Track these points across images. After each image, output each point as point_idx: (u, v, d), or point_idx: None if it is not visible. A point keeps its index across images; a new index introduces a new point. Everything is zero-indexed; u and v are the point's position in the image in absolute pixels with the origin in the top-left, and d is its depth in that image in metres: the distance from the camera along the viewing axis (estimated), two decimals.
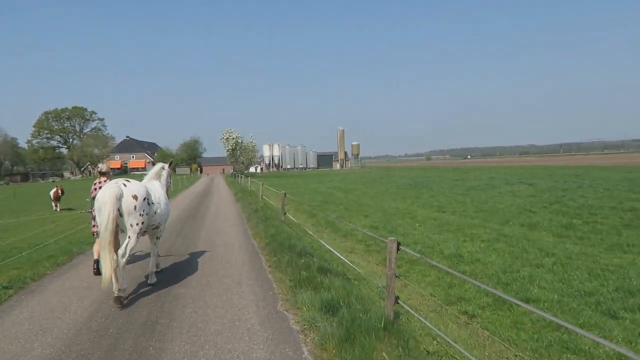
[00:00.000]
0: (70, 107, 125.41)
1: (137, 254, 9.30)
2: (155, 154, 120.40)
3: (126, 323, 5.30)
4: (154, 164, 8.94)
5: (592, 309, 5.68)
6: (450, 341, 4.31)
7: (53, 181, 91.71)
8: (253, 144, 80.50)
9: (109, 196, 5.83)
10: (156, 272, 7.46)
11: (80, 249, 10.20)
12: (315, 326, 4.87)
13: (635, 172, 36.26)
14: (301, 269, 6.90)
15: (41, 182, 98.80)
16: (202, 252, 9.45)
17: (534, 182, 28.38)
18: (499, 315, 5.58)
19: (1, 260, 9.52)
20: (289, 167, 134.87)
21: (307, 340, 4.67)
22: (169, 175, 8.27)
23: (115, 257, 5.79)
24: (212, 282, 7.01)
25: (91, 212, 7.81)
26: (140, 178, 7.64)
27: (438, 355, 4.48)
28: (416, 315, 4.96)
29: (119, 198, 5.97)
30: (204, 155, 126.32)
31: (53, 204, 23.59)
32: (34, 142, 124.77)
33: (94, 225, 7.70)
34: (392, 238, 4.77)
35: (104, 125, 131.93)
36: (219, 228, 12.99)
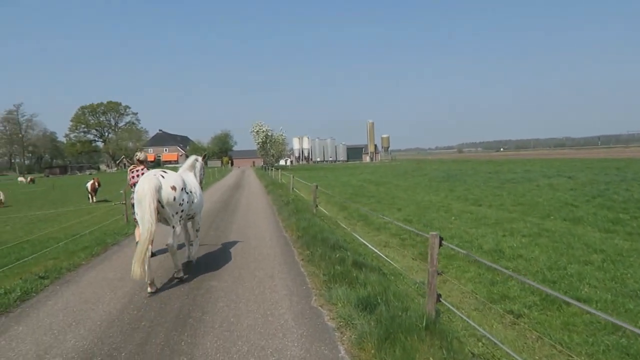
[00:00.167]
0: (105, 102, 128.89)
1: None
2: (187, 147, 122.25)
3: (158, 316, 5.21)
4: (187, 157, 9.15)
5: None
6: (498, 342, 4.02)
7: (90, 174, 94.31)
8: (283, 137, 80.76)
9: (148, 188, 5.94)
10: (189, 263, 7.65)
11: (114, 240, 10.28)
12: (352, 324, 4.64)
13: None
14: (335, 263, 6.68)
15: (78, 174, 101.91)
16: (234, 245, 9.35)
17: (573, 175, 27.28)
18: (547, 315, 5.22)
19: (39, 250, 9.70)
20: (318, 160, 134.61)
21: (344, 338, 4.45)
22: (202, 168, 8.39)
23: (151, 248, 5.94)
24: (244, 275, 6.87)
25: (123, 203, 7.85)
26: (173, 171, 7.60)
27: (484, 358, 4.19)
28: (459, 314, 4.67)
29: (158, 190, 6.09)
30: (235, 148, 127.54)
31: (89, 196, 24.14)
32: (72, 136, 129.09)
33: (134, 213, 7.66)
34: (435, 233, 4.49)
35: (137, 119, 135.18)
36: (250, 220, 12.91)
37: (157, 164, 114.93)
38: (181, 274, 6.81)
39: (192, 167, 7.99)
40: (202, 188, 8.23)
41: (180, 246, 8.88)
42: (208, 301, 5.70)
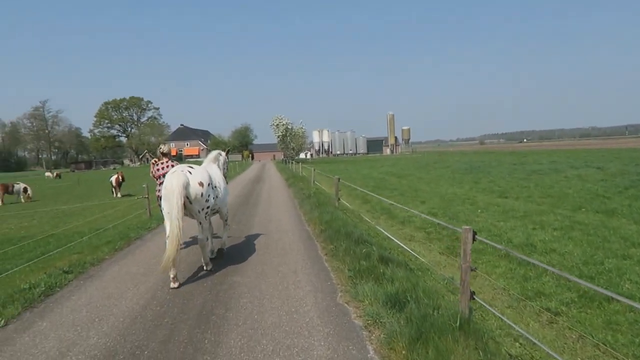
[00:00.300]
0: (127, 98, 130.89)
1: (188, 240, 9.23)
2: (209, 141, 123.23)
3: (181, 313, 5.11)
4: (209, 151, 9.22)
5: None
6: (537, 342, 3.78)
7: (114, 168, 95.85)
8: (303, 130, 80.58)
9: (176, 184, 5.97)
10: (220, 251, 7.78)
11: (137, 234, 10.28)
12: (380, 322, 4.45)
13: None
14: (360, 258, 6.48)
15: (103, 169, 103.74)
16: (256, 239, 9.24)
17: (602, 166, 26.41)
18: (587, 313, 4.94)
19: (64, 244, 9.76)
20: (338, 152, 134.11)
21: (372, 337, 4.26)
22: (226, 162, 8.40)
23: (182, 244, 6.09)
24: (268, 271, 6.74)
25: (146, 197, 7.84)
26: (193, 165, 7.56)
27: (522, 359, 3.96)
28: (494, 311, 4.44)
29: (186, 186, 6.12)
30: (255, 142, 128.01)
31: (113, 190, 24.39)
32: (96, 131, 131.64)
33: (159, 205, 7.82)
34: (468, 227, 4.26)
35: (159, 114, 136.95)
36: (272, 214, 12.79)
37: (178, 158, 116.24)
38: (210, 267, 6.87)
39: (216, 160, 8.03)
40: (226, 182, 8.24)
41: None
42: (231, 297, 5.58)
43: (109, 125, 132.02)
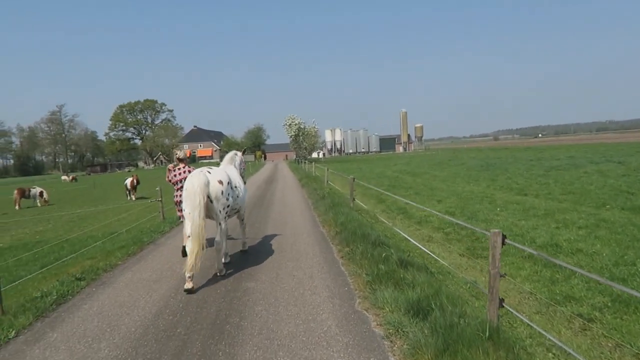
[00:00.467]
0: (142, 100, 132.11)
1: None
2: (222, 142, 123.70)
3: (194, 322, 4.93)
4: (225, 152, 9.22)
5: None
6: (572, 352, 3.52)
7: (129, 171, 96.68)
8: (315, 130, 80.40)
9: (197, 184, 6.12)
10: (225, 263, 7.44)
11: (150, 238, 10.16)
12: (403, 332, 4.21)
13: None
14: (378, 262, 6.25)
15: (118, 171, 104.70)
16: (270, 242, 9.06)
17: (623, 160, 25.80)
18: (623, 319, 4.65)
19: (78, 250, 9.71)
20: (351, 151, 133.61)
21: (395, 349, 4.03)
22: (242, 162, 8.42)
23: (205, 243, 6.16)
24: (282, 276, 6.54)
25: (159, 200, 7.77)
26: (207, 166, 7.51)
27: None
28: (524, 319, 4.17)
29: (207, 185, 6.26)
30: (268, 142, 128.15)
31: (127, 193, 24.47)
32: (111, 134, 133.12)
33: (179, 210, 8.17)
34: (497, 230, 3.99)
35: (173, 116, 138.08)
36: (286, 216, 12.61)
37: (192, 160, 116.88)
38: (223, 272, 6.74)
39: (232, 161, 8.08)
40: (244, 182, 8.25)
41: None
42: (246, 305, 5.39)
43: (123, 128, 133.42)
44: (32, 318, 5.34)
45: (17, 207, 24.57)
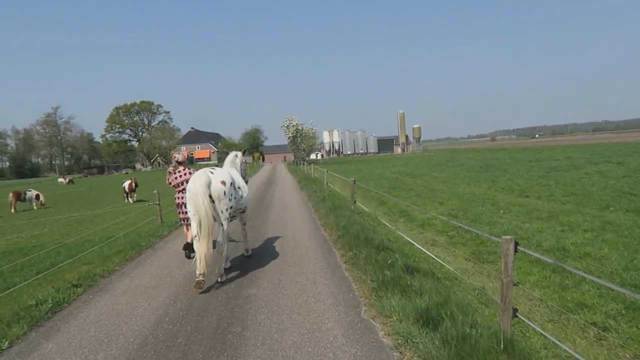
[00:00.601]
0: (138, 102, 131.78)
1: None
2: (219, 144, 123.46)
3: (195, 331, 4.75)
4: (225, 153, 9.16)
5: None
6: None
7: (126, 173, 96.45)
8: (313, 131, 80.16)
9: (199, 185, 6.16)
10: (226, 269, 7.25)
11: (148, 243, 9.97)
12: (412, 342, 4.05)
13: None
14: (383, 267, 6.08)
15: (115, 173, 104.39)
16: (270, 246, 8.89)
17: (622, 161, 25.71)
18: (639, 328, 4.50)
19: (74, 255, 9.52)
20: (349, 152, 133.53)
21: None
22: (243, 163, 8.37)
23: (212, 242, 6.23)
24: (285, 282, 6.37)
25: (157, 203, 7.66)
26: (203, 167, 7.43)
27: None
28: (536, 328, 4.02)
29: (209, 185, 6.27)
30: (265, 143, 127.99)
31: (125, 196, 24.24)
32: (108, 136, 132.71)
33: (179, 212, 8.25)
34: (509, 237, 3.85)
35: (170, 118, 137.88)
36: (285, 219, 12.44)
37: (189, 161, 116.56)
38: (224, 278, 6.58)
39: (233, 162, 7.99)
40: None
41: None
42: (248, 313, 5.22)
43: (120, 130, 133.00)
44: (27, 327, 5.15)
45: (12, 210, 24.32)
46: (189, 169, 8.23)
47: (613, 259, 6.76)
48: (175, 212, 12.23)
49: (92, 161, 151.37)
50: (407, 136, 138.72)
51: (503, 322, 3.92)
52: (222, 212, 6.46)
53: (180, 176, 8.17)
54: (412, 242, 8.24)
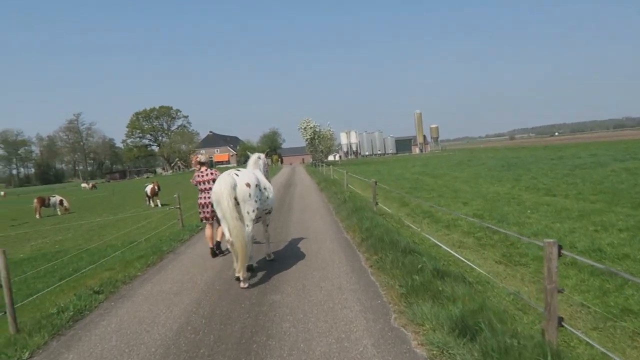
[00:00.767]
0: (157, 107, 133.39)
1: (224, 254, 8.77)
2: (238, 147, 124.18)
3: (218, 341, 4.58)
4: (246, 156, 9.18)
5: None
6: None
7: (147, 177, 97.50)
8: (331, 133, 79.97)
9: (224, 187, 6.22)
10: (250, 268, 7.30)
11: (170, 247, 9.89)
12: (449, 354, 3.80)
13: None
14: (412, 272, 5.84)
15: (137, 178, 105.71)
16: (293, 249, 8.72)
17: None
18: None
19: (97, 260, 9.49)
20: (367, 153, 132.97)
21: None
22: (266, 165, 8.38)
23: (246, 240, 6.22)
24: (309, 287, 6.18)
25: (178, 207, 7.59)
26: (223, 171, 7.44)
27: None
28: (585, 338, 3.74)
29: (234, 187, 6.31)
30: (283, 145, 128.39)
31: (147, 200, 24.36)
32: (128, 141, 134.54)
33: (203, 212, 8.46)
34: (551, 240, 3.58)
35: (188, 122, 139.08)
36: (307, 221, 12.25)
37: (209, 165, 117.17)
38: (247, 284, 6.40)
39: (257, 164, 8.00)
40: None
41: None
42: (272, 321, 5.04)
43: (140, 135, 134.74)
44: (48, 337, 5.06)
45: (37, 216, 24.68)
46: (211, 169, 8.49)
47: None
48: (195, 215, 12.16)
49: (114, 166, 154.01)
50: (424, 136, 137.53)
51: (548, 331, 3.65)
52: (247, 213, 6.45)
53: (200, 175, 8.44)
54: (439, 244, 7.98)
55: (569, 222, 9.71)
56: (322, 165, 50.55)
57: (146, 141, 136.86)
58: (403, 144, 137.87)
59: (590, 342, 3.71)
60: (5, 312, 5.29)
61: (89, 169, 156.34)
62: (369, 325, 4.68)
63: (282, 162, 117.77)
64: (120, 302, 6.29)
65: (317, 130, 75.60)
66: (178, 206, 13.06)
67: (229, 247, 6.55)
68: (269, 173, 8.50)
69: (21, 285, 8.12)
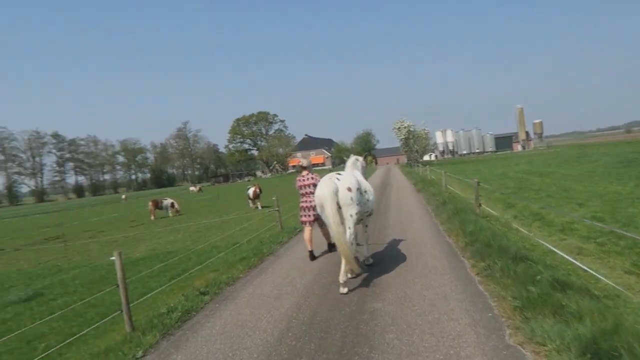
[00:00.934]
0: (256, 113, 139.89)
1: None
2: (332, 149, 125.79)
3: (319, 350, 4.47)
4: (340, 159, 9.18)
5: None
6: None
7: (248, 180, 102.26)
8: (426, 132, 78.00)
9: (327, 191, 6.24)
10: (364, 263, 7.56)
11: (270, 249, 10.08)
12: None
13: None
14: (526, 282, 5.31)
15: (239, 181, 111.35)
16: (392, 253, 8.44)
17: None
18: None
19: (203, 261, 9.95)
20: (464, 152, 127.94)
21: None
22: (363, 167, 8.28)
23: (349, 245, 6.15)
24: (411, 295, 5.88)
25: (277, 210, 7.63)
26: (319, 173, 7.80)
27: None
28: None
29: (336, 192, 6.31)
30: (377, 146, 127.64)
31: (250, 202, 25.32)
32: (230, 146, 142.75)
33: (303, 216, 8.56)
34: None
35: (285, 126, 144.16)
36: (405, 223, 11.87)
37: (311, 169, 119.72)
38: (346, 290, 6.26)
39: (355, 165, 7.93)
40: None
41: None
42: (374, 331, 4.82)
43: (241, 140, 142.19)
44: (159, 336, 5.32)
45: (152, 217, 26.74)
46: (312, 174, 8.53)
47: None
48: (293, 218, 12.33)
49: (218, 170, 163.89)
50: (527, 132, 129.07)
51: None
52: (350, 216, 6.40)
53: (302, 180, 8.54)
54: (555, 249, 7.24)
55: None
56: (418, 166, 49.33)
57: (246, 145, 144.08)
58: (503, 142, 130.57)
59: None
60: (122, 311, 5.66)
61: (196, 173, 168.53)
62: (481, 341, 4.28)
63: (376, 162, 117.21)
64: (224, 304, 6.47)
65: (412, 130, 74.11)
66: (277, 209, 13.36)
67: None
68: (366, 175, 8.34)
69: (137, 284, 8.73)
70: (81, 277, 10.88)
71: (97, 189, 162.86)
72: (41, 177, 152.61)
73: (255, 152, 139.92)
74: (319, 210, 6.67)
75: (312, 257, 8.58)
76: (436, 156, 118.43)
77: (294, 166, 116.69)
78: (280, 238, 11.41)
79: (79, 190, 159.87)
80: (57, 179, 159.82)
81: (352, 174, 7.11)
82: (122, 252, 5.88)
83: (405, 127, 73.80)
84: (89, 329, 6.04)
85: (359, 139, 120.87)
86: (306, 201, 8.51)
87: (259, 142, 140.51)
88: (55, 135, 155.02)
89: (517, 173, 29.64)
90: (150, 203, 27.91)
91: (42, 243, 21.32)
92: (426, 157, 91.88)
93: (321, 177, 7.14)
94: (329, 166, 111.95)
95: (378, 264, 7.77)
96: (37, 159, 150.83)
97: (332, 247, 8.92)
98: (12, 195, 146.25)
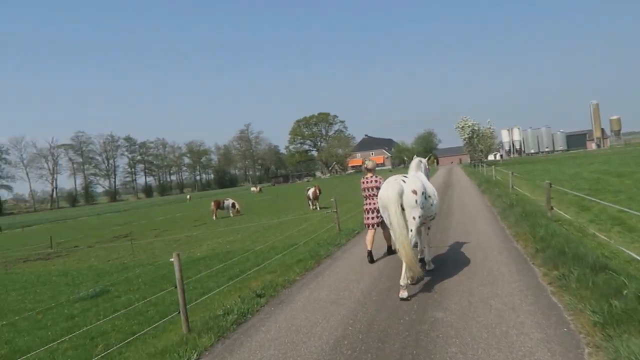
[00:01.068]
0: (316, 114, 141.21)
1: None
2: (392, 149, 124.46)
3: None
4: (400, 159, 8.95)
5: None
6: None
7: (307, 181, 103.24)
8: (491, 131, 75.08)
9: (392, 193, 6.16)
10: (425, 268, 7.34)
11: (327, 252, 9.93)
12: None
13: None
14: (608, 295, 4.77)
15: (298, 182, 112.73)
16: (454, 258, 8.02)
17: None
18: None
19: (261, 262, 9.95)
20: (532, 151, 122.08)
21: None
22: (427, 169, 8.16)
23: (411, 248, 5.96)
24: (476, 304, 5.48)
25: (334, 211, 7.48)
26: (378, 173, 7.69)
27: None
28: None
29: (401, 194, 6.19)
30: (439, 146, 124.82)
31: (310, 203, 25.39)
32: (291, 147, 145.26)
33: (366, 218, 8.59)
34: None
35: (345, 127, 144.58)
36: (468, 226, 11.32)
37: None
38: (406, 294, 5.99)
39: (418, 167, 7.75)
40: None
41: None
42: (435, 343, 4.50)
43: (301, 141, 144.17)
44: (214, 339, 5.28)
45: (214, 217, 27.48)
46: (376, 176, 8.55)
47: None
48: (351, 219, 12.13)
49: (279, 170, 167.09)
50: (602, 130, 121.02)
51: None
52: (413, 219, 6.24)
53: (367, 182, 8.56)
54: (639, 258, 6.53)
55: None
56: (482, 166, 47.49)
57: (306, 146, 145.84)
58: (575, 140, 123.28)
59: None
60: (179, 312, 5.69)
61: (257, 173, 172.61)
62: None
63: (437, 163, 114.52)
64: (280, 307, 6.36)
65: (476, 128, 71.61)
66: (335, 210, 13.20)
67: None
68: (429, 177, 8.06)
69: (196, 284, 8.86)
70: (145, 275, 11.26)
71: (164, 189, 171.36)
72: (114, 178, 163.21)
73: (315, 153, 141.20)
74: (381, 211, 6.60)
75: (371, 258, 8.39)
76: (501, 156, 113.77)
77: (353, 167, 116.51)
78: (338, 240, 11.23)
79: (147, 191, 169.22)
80: (128, 179, 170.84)
81: (417, 176, 7.00)
82: (180, 254, 5.93)
83: (469, 126, 71.45)
84: (148, 329, 6.15)
85: (420, 138, 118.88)
86: (369, 203, 8.50)
87: (318, 143, 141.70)
88: (128, 139, 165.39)
89: (591, 173, 27.67)
90: (212, 203, 28.70)
91: (112, 241, 22.51)
92: (491, 157, 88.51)
93: (383, 179, 7.03)
94: (388, 167, 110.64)
95: (440, 268, 7.40)
96: (111, 161, 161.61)
97: (391, 250, 8.70)
98: (89, 195, 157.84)
